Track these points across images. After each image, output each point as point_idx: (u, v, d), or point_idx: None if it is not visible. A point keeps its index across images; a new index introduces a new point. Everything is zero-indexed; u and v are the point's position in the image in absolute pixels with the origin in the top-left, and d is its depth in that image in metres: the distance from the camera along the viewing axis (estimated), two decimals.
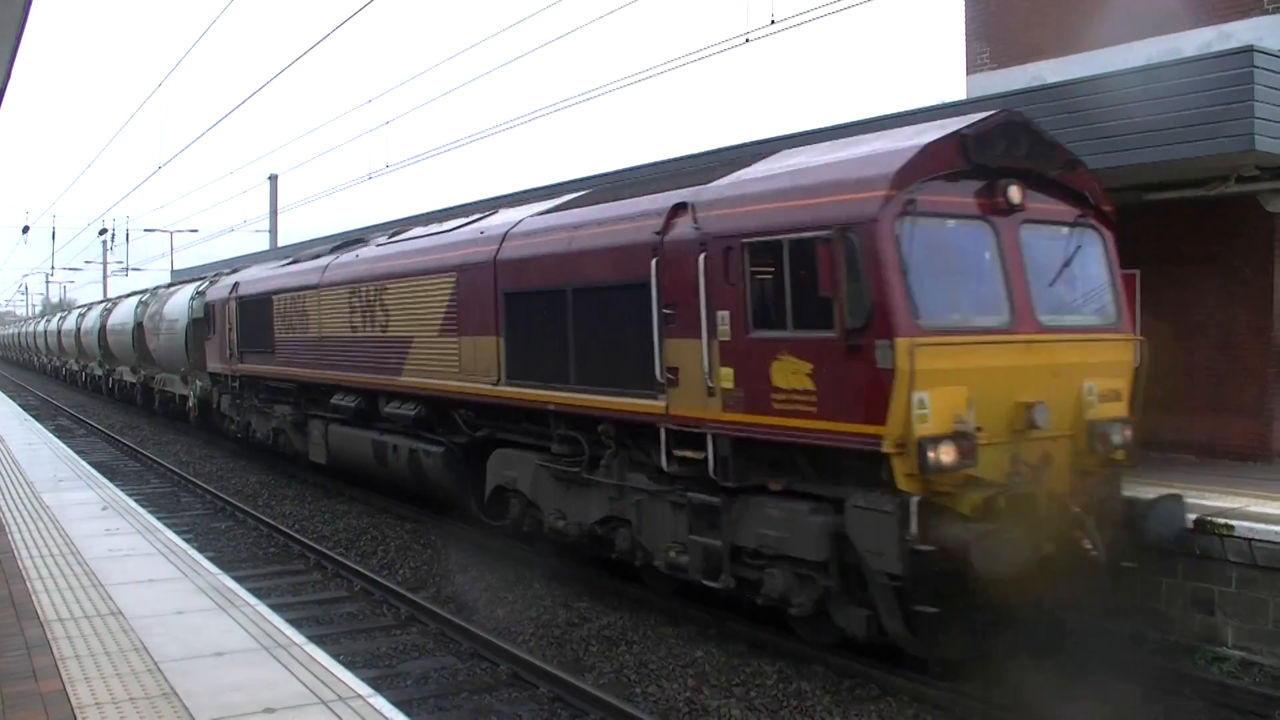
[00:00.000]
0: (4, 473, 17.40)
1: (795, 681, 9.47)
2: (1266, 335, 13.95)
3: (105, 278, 78.04)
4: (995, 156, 9.13)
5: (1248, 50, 11.66)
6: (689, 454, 10.31)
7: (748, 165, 10.83)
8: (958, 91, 21.29)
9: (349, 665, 7.87)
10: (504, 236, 13.40)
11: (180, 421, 33.08)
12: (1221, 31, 15.87)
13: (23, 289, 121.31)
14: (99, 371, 47.03)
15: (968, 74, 20.50)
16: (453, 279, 14.34)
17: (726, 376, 9.79)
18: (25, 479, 16.59)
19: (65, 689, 6.71)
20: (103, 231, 68.14)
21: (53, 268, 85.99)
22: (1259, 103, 11.32)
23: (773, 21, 14.87)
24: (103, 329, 42.87)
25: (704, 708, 9.02)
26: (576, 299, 11.80)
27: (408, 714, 6.44)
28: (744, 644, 10.55)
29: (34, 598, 9.02)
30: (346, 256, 18.91)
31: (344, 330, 18.12)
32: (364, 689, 6.70)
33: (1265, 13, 15.82)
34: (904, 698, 9.03)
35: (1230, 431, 14.21)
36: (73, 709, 6.35)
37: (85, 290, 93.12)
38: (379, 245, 18.21)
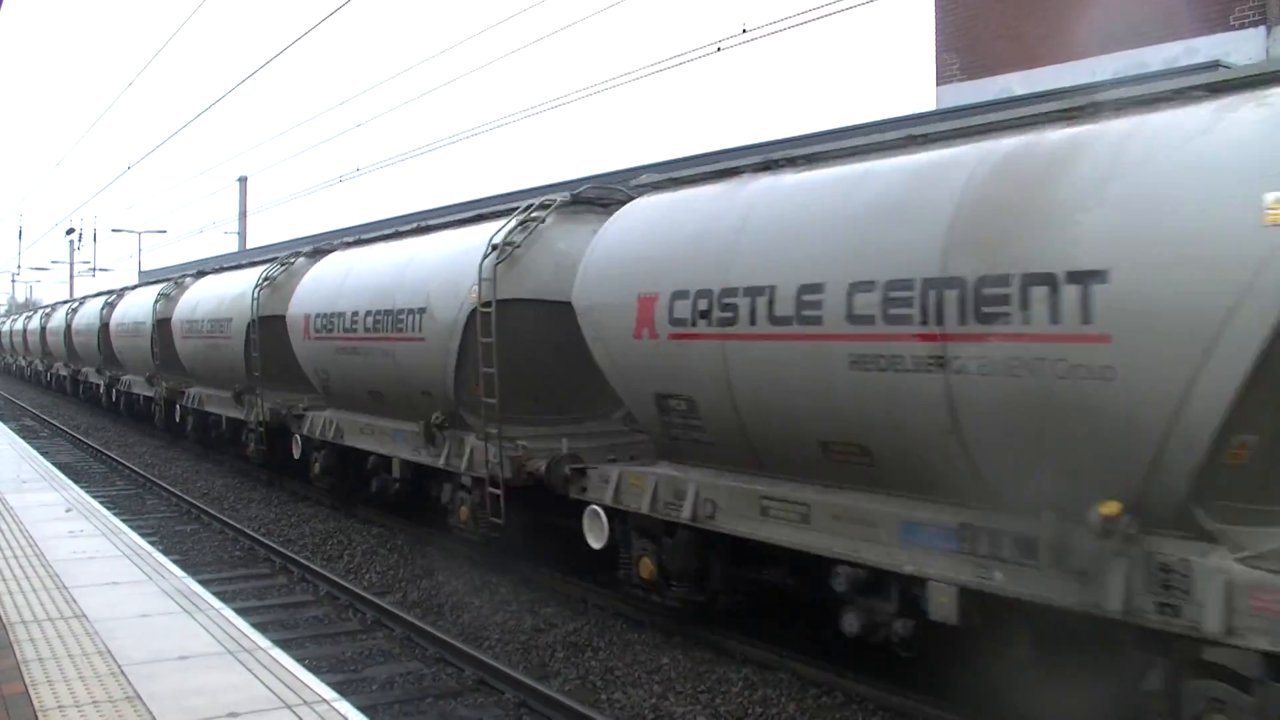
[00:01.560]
0: None
1: (761, 689, 9.50)
2: None
3: (72, 278, 77.53)
4: None
5: (1214, 65, 11.80)
6: None
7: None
8: (928, 102, 21.47)
9: (314, 670, 7.86)
10: None
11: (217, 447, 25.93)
12: (1188, 46, 16.06)
13: None
14: (97, 379, 38.65)
15: (937, 85, 20.67)
16: None
17: None
18: None
19: (28, 691, 6.67)
20: (70, 231, 67.81)
21: (19, 267, 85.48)
22: None
23: (744, 30, 14.94)
24: (105, 327, 35.66)
25: (669, 714, 9.04)
26: None
27: (373, 719, 6.43)
28: (710, 650, 10.57)
29: None
30: None
31: None
32: (329, 693, 6.69)
33: (1231, 28, 16.02)
34: (869, 706, 9.07)
35: None
36: (35, 712, 6.31)
37: (51, 290, 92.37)
38: None
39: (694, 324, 9.66)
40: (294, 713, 6.31)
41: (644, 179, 11.87)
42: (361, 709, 6.64)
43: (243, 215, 50.71)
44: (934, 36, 20.96)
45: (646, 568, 10.89)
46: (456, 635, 11.18)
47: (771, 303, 8.85)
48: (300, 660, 7.76)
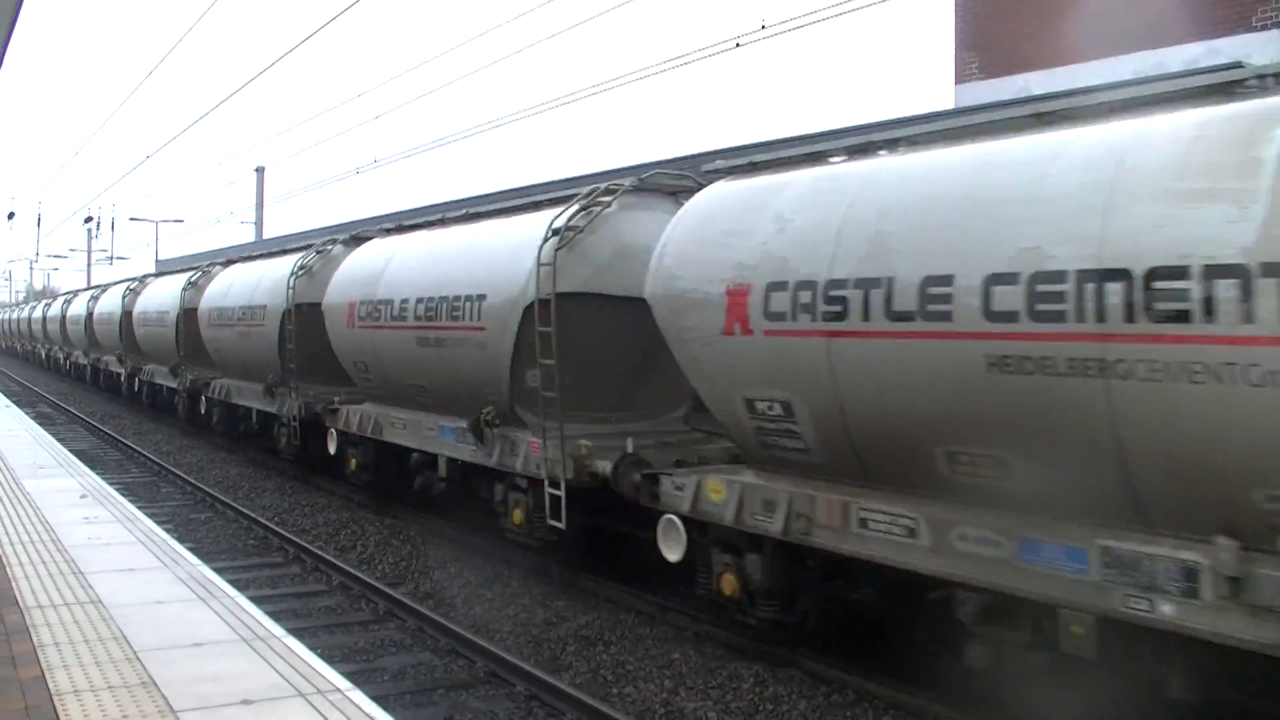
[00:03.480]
0: None
1: (772, 686, 9.51)
2: None
3: (89, 266, 77.82)
4: None
5: (1236, 66, 11.74)
6: None
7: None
8: (946, 100, 21.43)
9: (327, 659, 7.88)
10: None
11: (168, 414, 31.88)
12: (1209, 47, 15.99)
13: (7, 275, 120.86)
14: (118, 369, 37.19)
15: (956, 83, 20.63)
16: None
17: None
18: (5, 465, 16.53)
19: (44, 675, 6.71)
20: (88, 219, 68.07)
21: (37, 254, 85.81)
22: None
23: (763, 26, 14.95)
24: (127, 315, 34.51)
25: (680, 710, 9.06)
26: None
27: (385, 709, 6.45)
28: (722, 647, 10.58)
29: (13, 584, 9.01)
30: None
31: None
32: (342, 683, 6.72)
33: (1253, 29, 15.95)
34: (879, 704, 9.07)
35: None
36: (51, 695, 6.35)
37: (69, 278, 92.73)
38: None
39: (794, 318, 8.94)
40: (307, 701, 6.34)
41: (718, 164, 11.08)
42: (374, 699, 6.67)
43: (260, 205, 50.76)
44: (953, 35, 20.92)
45: (730, 584, 10.08)
46: (468, 627, 11.21)
47: (889, 296, 8.14)
48: (313, 649, 7.78)
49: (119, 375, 36.92)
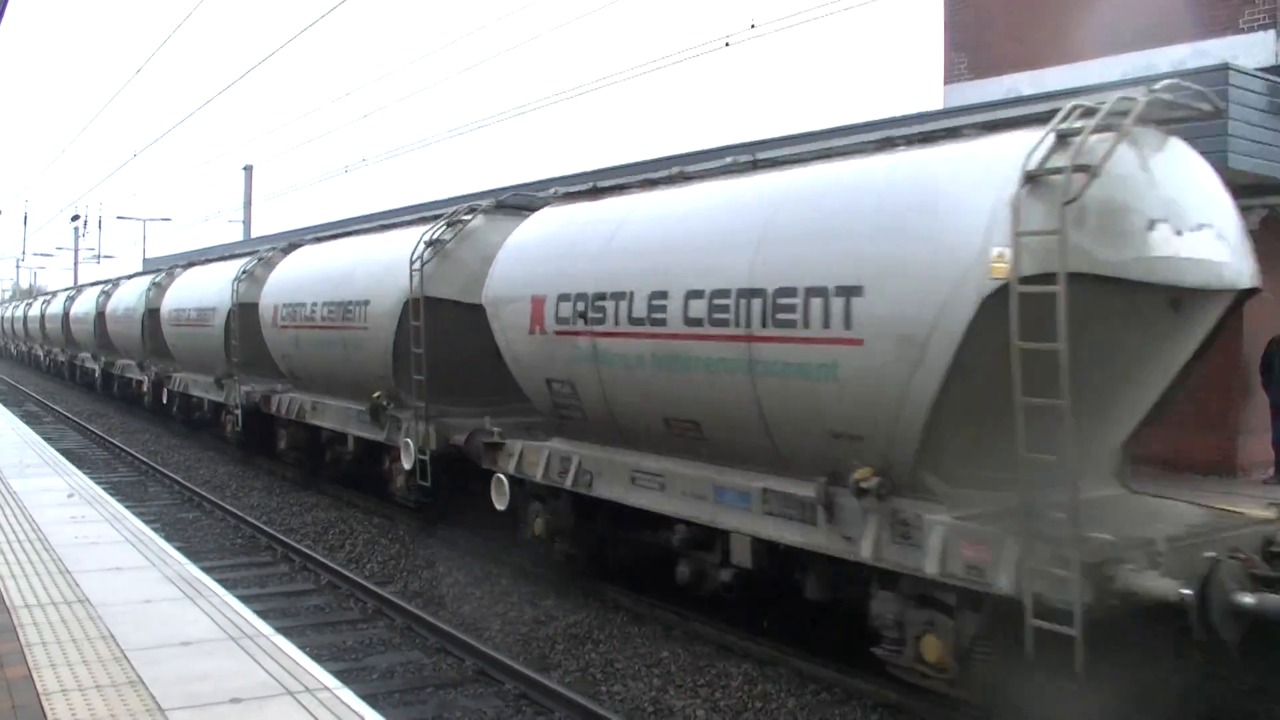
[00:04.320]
0: None
1: (760, 684, 9.52)
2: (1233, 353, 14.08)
3: (76, 264, 77.54)
4: None
5: (1223, 68, 11.80)
6: None
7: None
8: (935, 100, 21.48)
9: (316, 657, 7.88)
10: None
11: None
12: (1197, 49, 16.05)
13: None
14: (93, 365, 39.27)
15: (945, 83, 20.67)
16: None
17: None
18: None
19: (31, 675, 6.70)
20: (75, 218, 67.90)
21: (23, 253, 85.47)
22: (1233, 120, 11.43)
23: (753, 26, 14.97)
24: (101, 315, 36.55)
25: (669, 708, 9.06)
26: None
27: (374, 707, 6.45)
28: (710, 645, 10.60)
29: None
30: None
31: None
32: (331, 681, 6.72)
33: (1240, 31, 16.02)
34: (868, 703, 9.09)
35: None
36: (38, 695, 6.34)
37: (56, 277, 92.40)
38: None
39: (573, 323, 11.41)
40: (296, 699, 6.34)
41: (552, 191, 13.63)
42: (362, 697, 6.66)
43: (248, 204, 50.71)
44: (943, 35, 20.96)
45: (538, 526, 12.62)
46: (457, 626, 11.20)
47: (630, 306, 10.60)
48: (302, 648, 7.78)
49: (94, 371, 39.60)
